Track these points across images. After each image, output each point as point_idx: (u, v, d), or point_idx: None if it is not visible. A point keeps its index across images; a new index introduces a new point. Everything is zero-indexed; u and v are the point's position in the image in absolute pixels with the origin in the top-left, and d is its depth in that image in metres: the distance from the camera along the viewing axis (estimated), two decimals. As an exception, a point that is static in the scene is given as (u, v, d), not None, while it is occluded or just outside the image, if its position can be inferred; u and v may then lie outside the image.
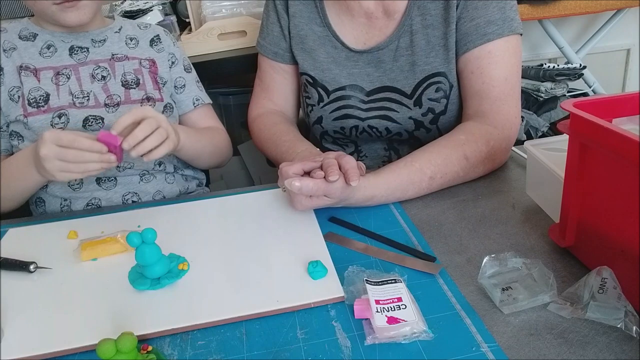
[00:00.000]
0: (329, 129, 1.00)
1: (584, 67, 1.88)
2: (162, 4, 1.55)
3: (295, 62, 1.02)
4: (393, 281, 0.58)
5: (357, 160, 1.03)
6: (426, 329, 0.53)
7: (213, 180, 1.58)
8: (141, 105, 0.97)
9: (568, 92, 1.86)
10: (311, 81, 0.99)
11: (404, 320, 0.53)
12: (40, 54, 0.93)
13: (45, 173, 0.77)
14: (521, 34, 0.87)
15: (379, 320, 0.53)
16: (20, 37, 0.94)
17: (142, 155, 0.76)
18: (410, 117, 0.93)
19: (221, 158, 1.10)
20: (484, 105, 0.87)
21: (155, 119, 0.78)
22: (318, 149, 0.88)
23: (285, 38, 1.00)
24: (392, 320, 0.53)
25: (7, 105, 0.91)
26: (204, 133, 1.03)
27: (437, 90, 0.91)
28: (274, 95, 1.07)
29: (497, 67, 0.85)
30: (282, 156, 0.89)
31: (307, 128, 1.11)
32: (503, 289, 0.57)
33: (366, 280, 0.58)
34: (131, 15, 1.46)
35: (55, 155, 0.74)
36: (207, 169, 1.14)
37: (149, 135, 0.76)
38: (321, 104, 0.99)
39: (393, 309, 0.55)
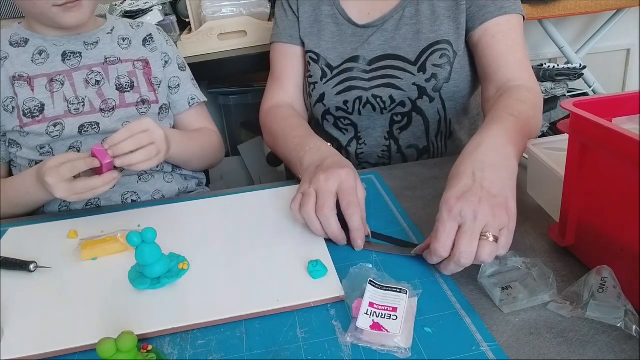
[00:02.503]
0: (331, 105, 1.01)
1: (584, 67, 1.88)
2: (162, 4, 1.55)
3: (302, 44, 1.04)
4: (398, 290, 0.57)
5: (357, 148, 1.02)
6: (407, 348, 0.51)
7: (213, 180, 1.58)
8: (136, 109, 0.97)
9: (568, 92, 1.86)
10: (315, 58, 1.01)
11: (387, 330, 0.52)
12: (32, 61, 0.93)
13: (59, 198, 0.78)
14: (524, 18, 0.92)
15: (362, 323, 0.53)
16: (11, 44, 0.94)
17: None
18: (414, 84, 0.95)
19: (211, 161, 1.10)
20: (511, 67, 0.87)
21: (149, 135, 0.77)
22: (329, 146, 0.82)
23: (298, 20, 1.03)
24: (375, 327, 0.52)
25: (3, 116, 0.91)
26: (194, 139, 1.02)
27: (441, 57, 0.93)
28: (285, 82, 1.06)
29: (517, 34, 0.89)
30: (291, 153, 0.86)
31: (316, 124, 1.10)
32: (503, 288, 0.57)
33: (370, 281, 0.58)
34: (131, 15, 1.46)
35: (69, 192, 0.75)
36: (198, 171, 1.14)
37: (138, 149, 0.76)
38: (324, 80, 1.00)
39: (383, 317, 0.53)
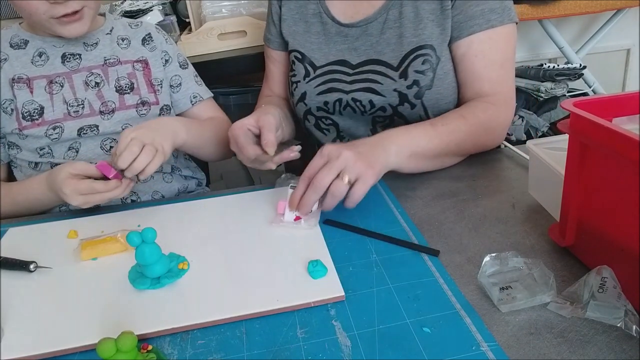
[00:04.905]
0: (312, 105, 1.00)
1: (584, 67, 1.87)
2: (162, 4, 1.55)
3: (284, 48, 1.06)
4: None
5: None
6: (315, 222, 0.73)
7: (213, 180, 1.58)
8: (136, 111, 0.97)
9: (568, 92, 1.86)
10: (300, 57, 1.01)
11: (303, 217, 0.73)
12: (32, 62, 0.93)
13: (73, 206, 0.80)
14: (517, 23, 0.92)
15: (288, 217, 0.74)
16: (11, 46, 0.94)
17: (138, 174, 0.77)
18: (394, 90, 0.93)
19: (225, 149, 1.07)
20: (484, 87, 0.91)
21: (140, 139, 0.77)
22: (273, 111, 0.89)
23: (274, 23, 1.05)
24: (297, 219, 0.73)
25: (2, 118, 0.92)
26: (206, 124, 1.03)
27: (423, 63, 0.91)
28: (271, 83, 1.12)
29: (498, 52, 0.90)
30: None
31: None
32: (502, 288, 0.57)
33: (292, 186, 0.75)
34: (131, 15, 1.46)
35: (84, 202, 0.78)
36: (216, 161, 1.13)
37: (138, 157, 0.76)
38: (307, 79, 1.00)
39: None
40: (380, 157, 0.75)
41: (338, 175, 0.70)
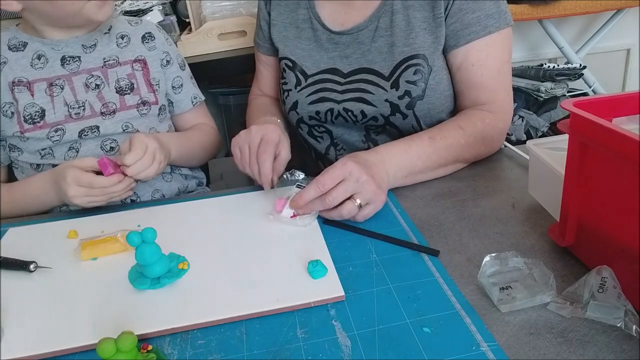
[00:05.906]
0: (304, 114, 1.00)
1: (584, 67, 1.87)
2: (162, 4, 1.55)
3: (273, 53, 1.05)
4: None
5: (336, 154, 1.04)
6: (310, 221, 0.74)
7: (213, 180, 1.58)
8: (137, 110, 0.97)
9: (568, 92, 1.86)
10: (291, 65, 1.00)
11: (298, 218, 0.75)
12: (31, 65, 0.92)
13: (71, 203, 0.82)
14: (512, 25, 0.91)
15: (286, 213, 0.75)
16: (9, 48, 0.93)
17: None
18: (386, 100, 0.92)
19: (211, 154, 1.13)
20: (481, 96, 0.90)
21: (151, 153, 0.83)
22: (275, 121, 0.94)
23: (262, 28, 1.04)
24: (293, 216, 0.74)
25: (2, 121, 0.92)
26: (193, 139, 1.05)
27: (415, 73, 0.90)
28: (261, 84, 1.13)
29: (495, 59, 0.89)
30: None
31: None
32: (502, 288, 0.57)
33: (297, 185, 0.79)
34: (131, 15, 1.46)
35: (83, 194, 0.80)
36: (198, 167, 1.16)
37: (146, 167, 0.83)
38: (298, 88, 0.99)
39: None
40: (384, 180, 0.77)
41: (351, 196, 0.72)
